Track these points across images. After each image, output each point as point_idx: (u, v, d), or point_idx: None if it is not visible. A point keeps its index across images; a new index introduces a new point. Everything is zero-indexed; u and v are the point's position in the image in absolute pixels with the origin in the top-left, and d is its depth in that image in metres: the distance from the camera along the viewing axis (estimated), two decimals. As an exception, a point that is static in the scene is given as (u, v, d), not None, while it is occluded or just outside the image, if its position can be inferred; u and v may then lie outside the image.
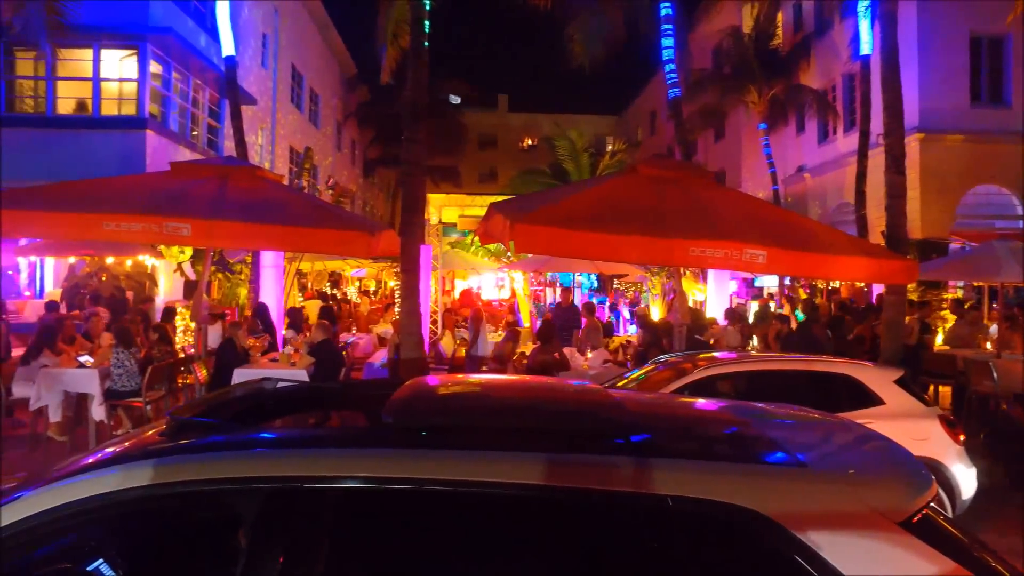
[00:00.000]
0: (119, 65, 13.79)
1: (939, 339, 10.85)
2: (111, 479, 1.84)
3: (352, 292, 23.52)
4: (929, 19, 16.58)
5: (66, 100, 13.89)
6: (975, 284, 15.07)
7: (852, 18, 16.70)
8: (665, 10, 14.80)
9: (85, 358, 7.74)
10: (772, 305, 14.63)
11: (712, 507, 1.69)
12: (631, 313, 15.02)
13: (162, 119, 14.21)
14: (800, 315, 11.30)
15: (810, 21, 22.17)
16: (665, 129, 31.99)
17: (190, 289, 12.71)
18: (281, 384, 2.72)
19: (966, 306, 12.24)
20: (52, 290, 13.80)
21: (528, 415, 2.23)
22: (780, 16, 21.44)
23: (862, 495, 1.75)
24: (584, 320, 10.16)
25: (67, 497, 1.82)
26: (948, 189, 16.56)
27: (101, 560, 1.92)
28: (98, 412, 7.36)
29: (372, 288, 25.15)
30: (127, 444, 2.18)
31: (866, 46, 14.18)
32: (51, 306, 10.18)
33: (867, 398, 5.14)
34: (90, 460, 2.04)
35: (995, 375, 8.18)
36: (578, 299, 20.86)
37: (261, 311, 10.35)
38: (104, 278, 12.45)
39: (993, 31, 16.59)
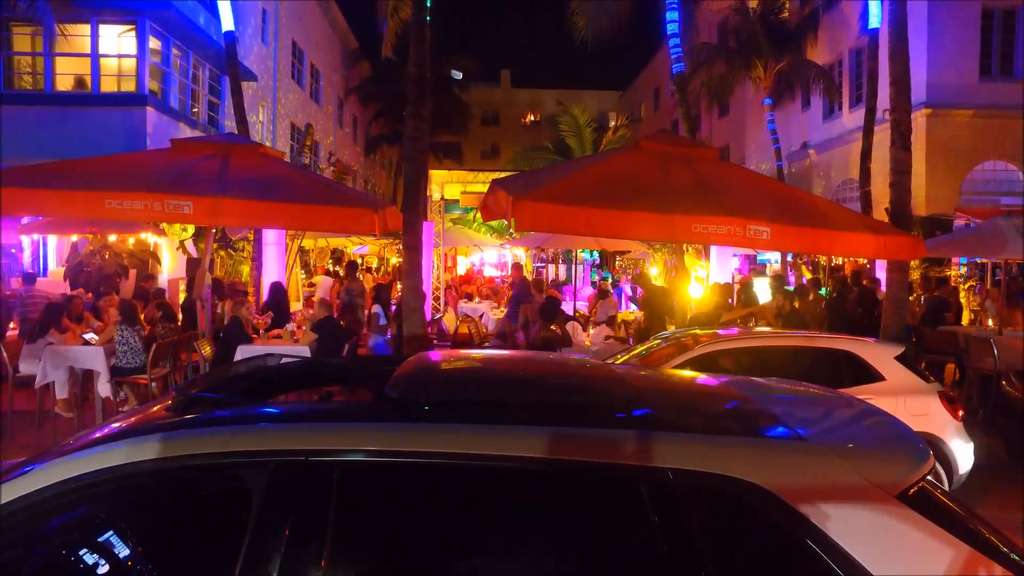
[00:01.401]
0: (118, 41, 13.66)
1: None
2: (119, 453, 1.87)
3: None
4: (940, -9, 16.28)
5: (65, 77, 13.78)
6: (979, 261, 15.02)
7: (861, -10, 16.41)
8: (670, -17, 14.58)
9: (90, 335, 7.80)
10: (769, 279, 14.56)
11: (712, 480, 1.72)
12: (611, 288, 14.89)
13: (162, 96, 14.11)
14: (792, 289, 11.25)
15: (818, -7, 21.82)
16: (669, 105, 31.72)
17: (193, 267, 12.72)
18: (285, 360, 2.75)
19: (968, 284, 12.20)
20: (55, 268, 13.83)
21: (530, 390, 2.25)
22: (787, -12, 21.08)
23: (860, 468, 1.77)
24: (535, 297, 9.87)
25: (76, 471, 1.84)
26: (954, 165, 16.43)
27: (109, 532, 1.95)
28: (104, 389, 7.44)
29: (375, 265, 25.17)
30: (134, 419, 2.21)
31: (874, 19, 13.95)
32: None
33: (868, 374, 5.16)
34: (98, 434, 2.07)
35: (996, 352, 8.19)
36: (581, 275, 20.85)
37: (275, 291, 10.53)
38: (107, 256, 12.47)
39: (1006, 3, 16.30)
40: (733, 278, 13.30)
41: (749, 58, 20.13)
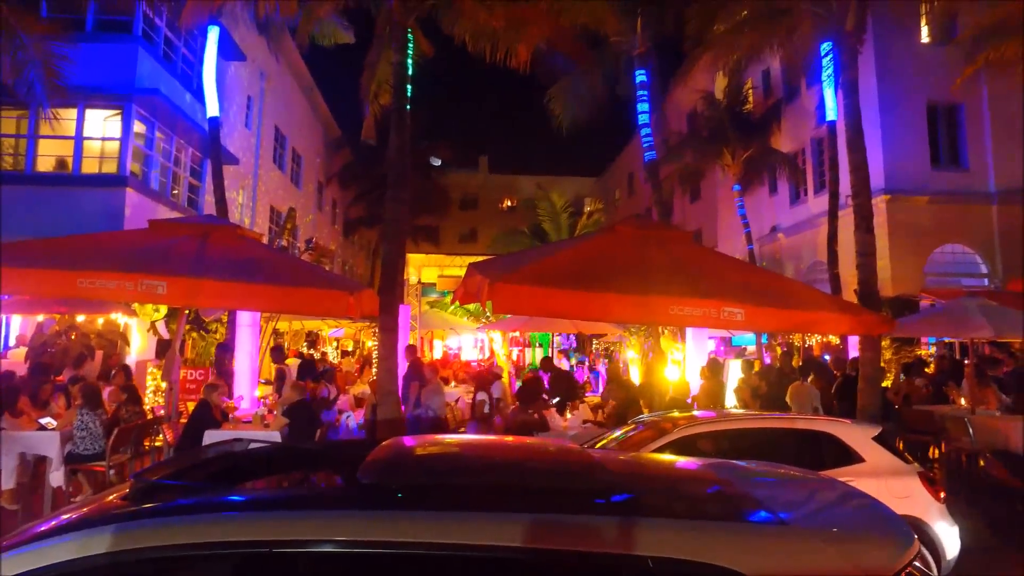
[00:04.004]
0: (103, 124, 13.89)
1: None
2: (69, 546, 1.75)
3: (331, 352, 23.20)
4: (889, 88, 17.48)
5: (46, 158, 13.89)
6: (947, 340, 15.33)
7: (817, 86, 17.51)
8: (640, 76, 15.40)
9: (47, 420, 7.45)
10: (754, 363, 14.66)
11: (693, 568, 1.66)
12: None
13: (143, 177, 14.25)
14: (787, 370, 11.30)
15: (779, 87, 23.22)
16: (643, 190, 32.83)
17: (163, 348, 12.45)
18: (253, 445, 2.65)
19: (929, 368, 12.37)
20: (16, 348, 13.40)
21: (507, 476, 2.19)
22: (750, 81, 22.41)
23: (846, 553, 1.72)
24: (429, 380, 9.65)
25: (18, 568, 1.72)
26: (916, 248, 17.10)
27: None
28: (56, 478, 7.03)
29: (350, 348, 24.87)
30: (87, 509, 2.09)
31: (831, 112, 14.80)
32: (7, 376, 8.93)
33: (847, 455, 5.12)
34: (46, 527, 1.94)
35: (971, 431, 8.23)
36: (556, 360, 20.77)
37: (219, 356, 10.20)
38: (74, 336, 12.17)
39: (948, 99, 17.49)
40: (708, 359, 13.33)
41: (718, 146, 21.11)
